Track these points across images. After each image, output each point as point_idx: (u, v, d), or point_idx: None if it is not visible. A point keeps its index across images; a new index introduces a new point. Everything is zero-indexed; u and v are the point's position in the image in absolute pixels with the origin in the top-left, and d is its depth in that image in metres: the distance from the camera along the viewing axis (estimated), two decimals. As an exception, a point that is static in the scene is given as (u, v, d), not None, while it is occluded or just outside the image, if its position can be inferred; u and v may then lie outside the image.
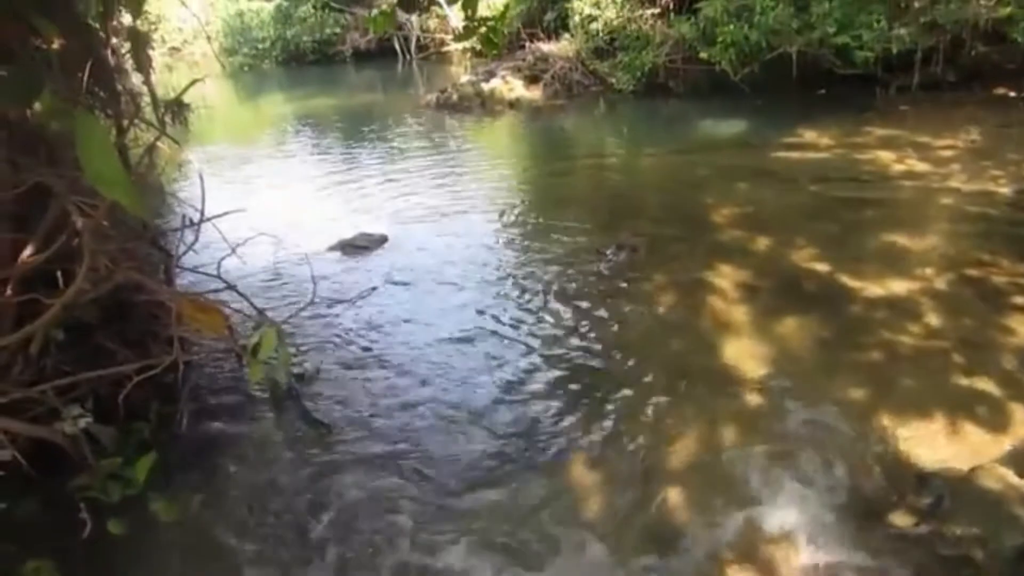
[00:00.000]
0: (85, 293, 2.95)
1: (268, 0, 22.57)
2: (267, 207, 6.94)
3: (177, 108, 4.17)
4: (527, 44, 13.71)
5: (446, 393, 3.85)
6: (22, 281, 2.93)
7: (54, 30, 1.52)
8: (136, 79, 4.36)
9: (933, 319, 4.20)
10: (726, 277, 4.92)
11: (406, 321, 4.68)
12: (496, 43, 3.15)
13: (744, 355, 3.97)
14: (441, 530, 2.91)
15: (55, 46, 1.95)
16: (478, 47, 15.80)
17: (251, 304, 4.09)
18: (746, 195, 6.67)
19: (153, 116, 3.74)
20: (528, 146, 10.47)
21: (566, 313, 4.63)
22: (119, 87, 3.72)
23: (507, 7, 14.35)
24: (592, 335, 4.35)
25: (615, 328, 4.43)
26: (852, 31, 9.74)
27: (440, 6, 18.49)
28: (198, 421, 3.70)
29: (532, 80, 12.79)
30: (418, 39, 20.06)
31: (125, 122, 3.63)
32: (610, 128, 11.09)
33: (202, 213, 3.85)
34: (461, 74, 14.62)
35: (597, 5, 12.54)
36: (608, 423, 3.50)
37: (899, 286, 4.60)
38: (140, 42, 3.55)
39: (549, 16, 14.43)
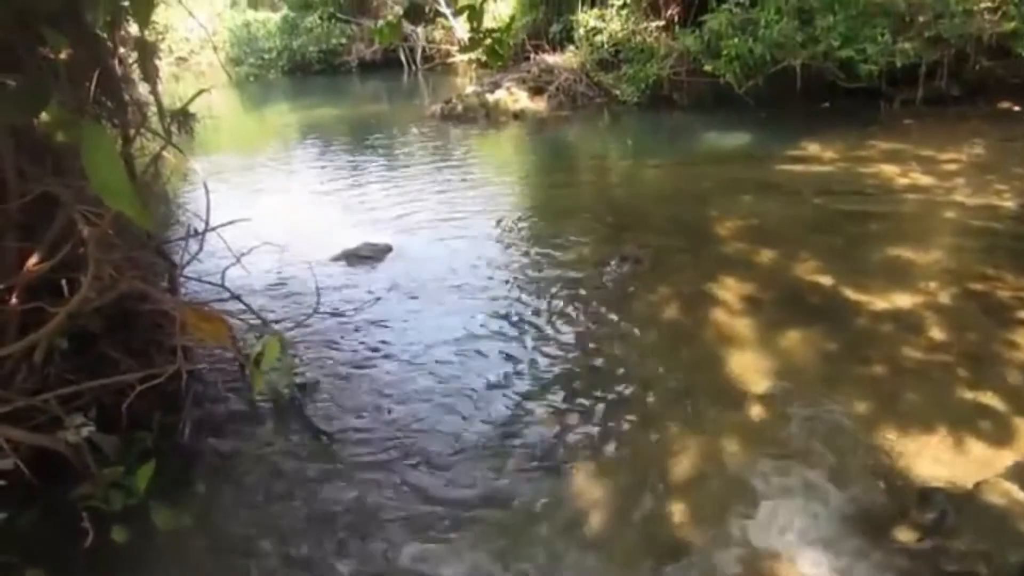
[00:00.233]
0: (90, 302, 2.96)
1: (275, 11, 22.74)
2: (272, 216, 6.96)
3: (183, 118, 4.18)
4: (532, 56, 13.78)
5: (448, 403, 3.84)
6: (27, 289, 2.94)
7: (63, 41, 1.54)
8: (143, 89, 4.39)
9: (937, 333, 4.19)
10: (730, 289, 4.91)
11: (409, 331, 4.68)
12: (501, 55, 3.17)
13: (748, 367, 3.96)
14: (442, 541, 2.90)
15: (63, 56, 1.97)
16: (483, 58, 15.87)
17: (254, 313, 4.10)
18: (750, 207, 6.68)
19: (159, 126, 3.77)
20: (532, 157, 10.49)
21: (569, 325, 4.62)
22: (126, 97, 3.74)
23: (512, 19, 14.42)
24: (596, 347, 4.34)
25: (619, 340, 4.42)
26: (856, 45, 9.76)
27: (446, 18, 18.71)
28: (200, 430, 3.70)
29: (537, 91, 12.83)
30: (423, 50, 20.17)
31: (131, 131, 3.65)
32: (614, 140, 11.11)
33: (207, 222, 3.86)
34: (466, 85, 14.68)
35: (602, 17, 12.60)
36: (611, 435, 3.49)
37: (903, 300, 4.59)
38: (147, 52, 3.59)
39: (554, 28, 14.50)
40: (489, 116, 12.36)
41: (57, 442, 2.98)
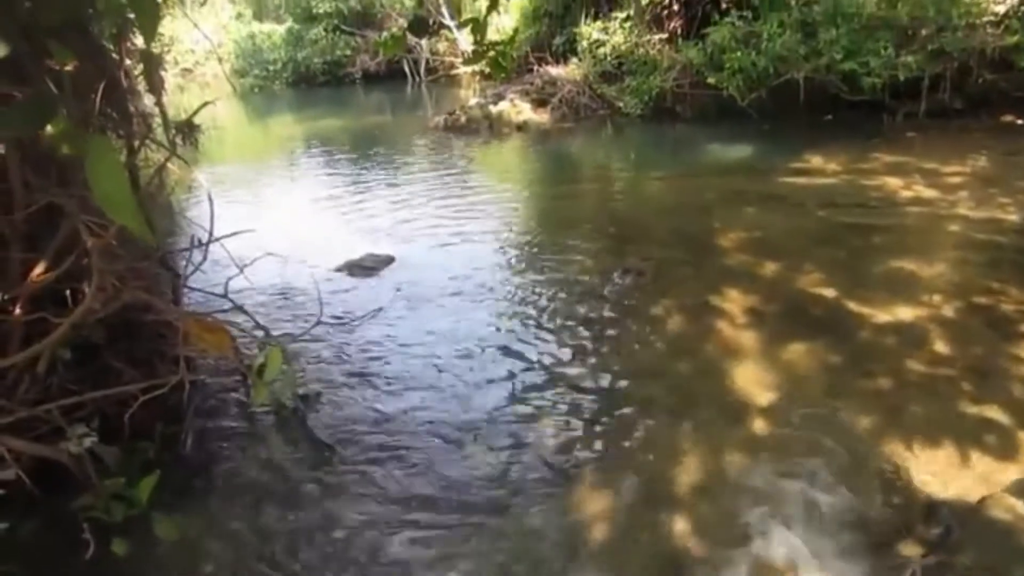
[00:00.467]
0: (93, 312, 2.96)
1: (280, 23, 22.90)
2: (275, 227, 6.98)
3: (188, 129, 4.20)
4: (535, 68, 13.84)
5: (451, 415, 3.83)
6: (31, 300, 2.95)
7: (69, 55, 1.55)
8: (148, 100, 4.41)
9: (941, 346, 4.18)
10: (733, 302, 4.91)
11: (411, 342, 4.68)
12: (505, 67, 3.17)
13: (751, 380, 3.95)
14: (444, 552, 2.88)
15: (69, 68, 1.98)
16: (487, 70, 15.96)
17: (257, 324, 4.11)
18: (753, 220, 6.68)
19: (164, 137, 3.79)
20: (535, 169, 10.52)
21: (572, 336, 4.62)
22: (131, 108, 3.76)
23: (516, 31, 14.50)
24: (598, 359, 4.34)
25: (621, 352, 4.42)
26: (859, 58, 9.80)
27: (450, 30, 18.82)
28: (202, 441, 3.70)
29: (540, 103, 12.88)
30: (427, 62, 20.30)
31: (136, 143, 3.67)
32: (617, 151, 11.13)
33: (210, 233, 3.88)
34: (470, 97, 14.74)
35: (605, 30, 12.68)
36: (613, 447, 3.48)
37: (907, 313, 4.58)
38: (153, 64, 3.61)
39: (557, 40, 14.58)
40: (492, 128, 12.41)
41: (59, 452, 2.98)
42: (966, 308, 4.61)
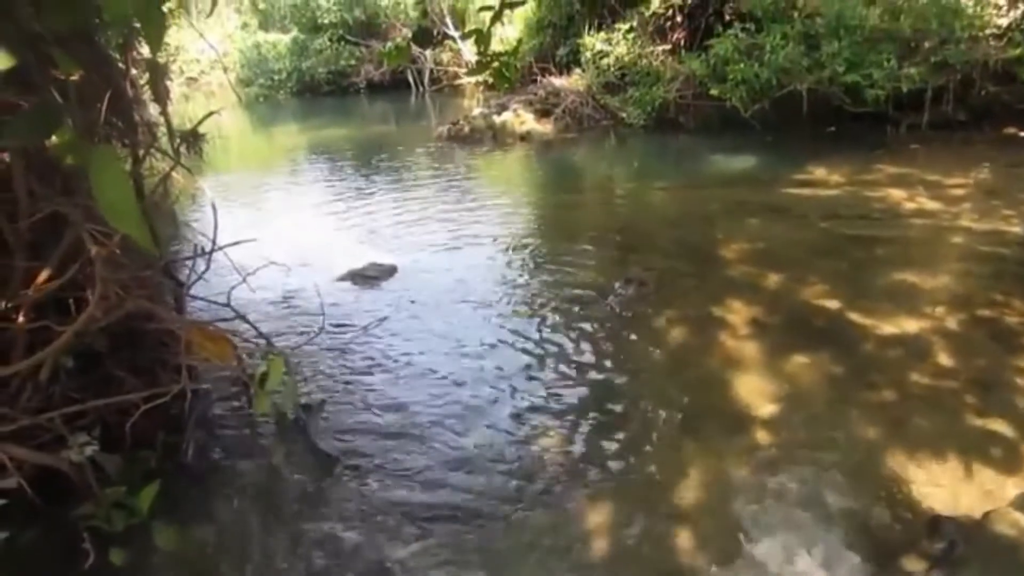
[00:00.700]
0: (96, 321, 2.96)
1: (285, 32, 23.03)
2: (278, 236, 6.99)
3: (193, 138, 4.22)
4: (539, 78, 13.90)
5: (452, 425, 3.82)
6: (34, 308, 2.95)
7: (75, 66, 1.56)
8: (153, 109, 4.43)
9: (944, 359, 4.16)
10: (736, 313, 4.90)
11: (414, 352, 4.68)
12: (509, 77, 3.19)
13: (754, 392, 3.94)
14: (444, 564, 2.87)
15: (75, 77, 1.99)
16: (490, 81, 16.03)
17: (260, 333, 4.11)
18: (756, 231, 6.68)
19: (169, 146, 3.80)
20: (538, 179, 10.54)
21: (574, 347, 4.61)
22: (136, 117, 3.78)
23: (520, 42, 14.57)
24: (600, 370, 4.33)
25: (623, 363, 4.41)
26: (862, 70, 9.82)
27: (454, 41, 18.89)
28: (204, 450, 3.69)
29: (543, 113, 12.92)
30: (431, 72, 20.39)
31: (141, 152, 3.68)
32: (620, 162, 11.15)
33: (214, 242, 3.88)
34: (473, 107, 14.79)
35: (608, 41, 12.73)
36: (615, 458, 3.47)
37: (910, 325, 4.57)
38: (158, 74, 3.63)
39: (561, 51, 14.64)
40: (496, 138, 12.45)
41: (60, 461, 2.98)
42: (969, 320, 4.60)
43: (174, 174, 3.93)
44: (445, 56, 20.36)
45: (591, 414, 3.86)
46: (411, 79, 20.72)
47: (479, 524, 3.09)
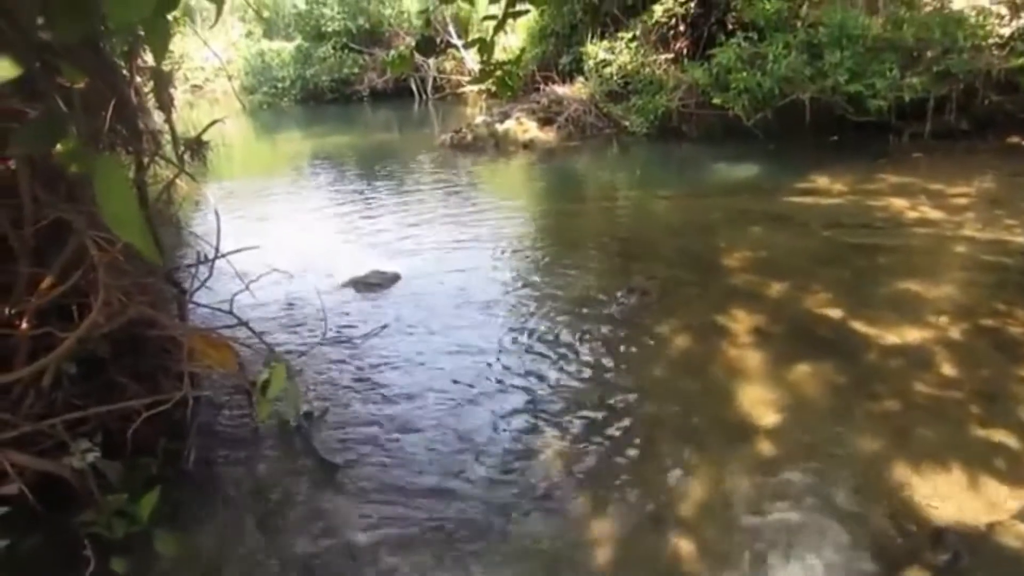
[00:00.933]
0: (99, 327, 2.97)
1: (289, 40, 23.14)
2: (281, 243, 7.01)
3: (196, 146, 4.23)
4: (542, 87, 13.93)
5: (454, 433, 3.82)
6: (37, 314, 2.96)
7: (80, 76, 1.57)
8: (158, 117, 4.45)
9: (948, 369, 4.15)
10: (739, 322, 4.90)
11: (416, 360, 4.68)
12: (511, 86, 3.20)
13: (756, 401, 3.93)
14: (446, 574, 2.86)
15: (80, 86, 2.00)
16: (493, 89, 16.06)
17: (262, 340, 4.11)
18: (759, 239, 6.68)
19: (173, 153, 3.81)
20: (541, 187, 10.55)
21: (576, 356, 4.61)
22: (141, 125, 3.79)
23: (523, 51, 14.63)
24: (603, 378, 4.32)
25: (626, 372, 4.40)
26: (864, 80, 9.82)
27: (457, 49, 18.95)
28: (205, 457, 3.69)
29: (546, 122, 12.95)
30: (434, 80, 20.46)
31: (145, 159, 3.69)
32: (623, 170, 11.16)
33: (217, 249, 3.89)
34: (476, 115, 14.82)
35: (611, 50, 12.76)
36: (616, 468, 3.46)
37: (913, 334, 4.56)
38: (163, 82, 3.65)
39: (564, 60, 14.68)
40: (498, 146, 12.47)
41: (62, 468, 2.98)
42: (973, 330, 4.58)
43: (178, 181, 3.95)
44: (448, 64, 20.43)
45: (593, 424, 3.85)
46: (414, 87, 20.80)
47: (480, 532, 3.08)
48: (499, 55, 3.07)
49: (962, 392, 3.91)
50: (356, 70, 21.48)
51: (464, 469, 3.51)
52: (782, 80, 10.27)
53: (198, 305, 4.33)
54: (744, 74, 10.52)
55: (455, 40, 18.11)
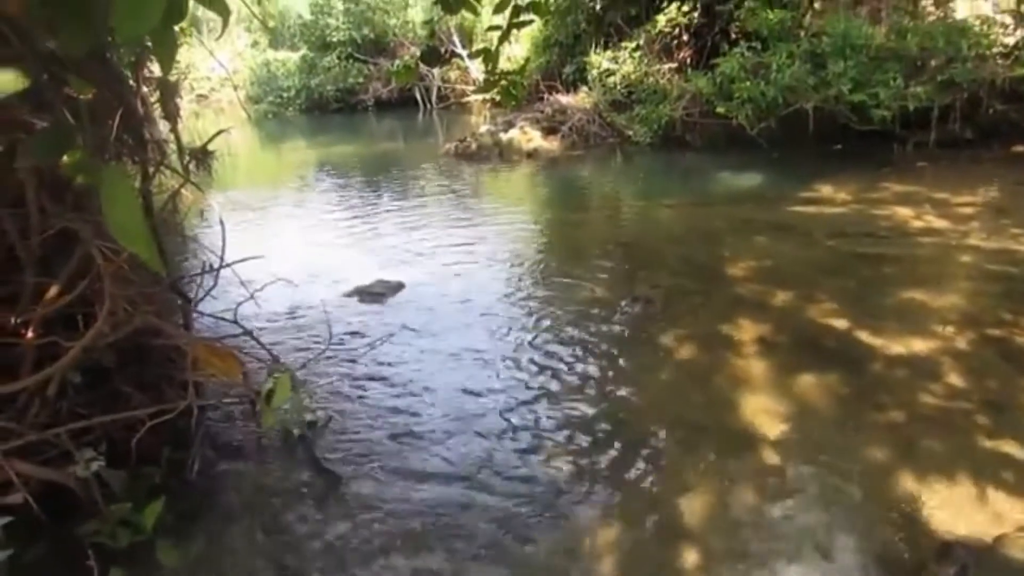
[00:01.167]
0: (104, 336, 2.98)
1: (294, 50, 23.27)
2: (286, 252, 7.03)
3: (202, 155, 4.25)
4: (546, 96, 14.00)
5: (457, 443, 3.81)
6: (43, 323, 2.96)
7: (88, 87, 1.58)
8: (164, 127, 4.47)
9: (954, 379, 4.13)
10: (743, 331, 4.88)
11: (420, 369, 4.67)
12: (516, 95, 3.20)
13: (761, 412, 3.91)
14: (450, 586, 2.86)
15: (87, 97, 2.01)
16: (497, 98, 16.12)
17: (266, 350, 4.11)
18: (763, 249, 6.67)
19: (178, 163, 3.83)
20: (545, 196, 10.56)
21: (581, 365, 4.60)
22: (147, 135, 3.81)
23: (527, 60, 14.67)
24: (607, 388, 4.31)
25: (630, 381, 4.39)
26: (868, 89, 9.84)
27: (462, 59, 19.04)
28: (209, 467, 3.68)
29: (550, 131, 12.99)
30: (439, 90, 20.55)
31: (151, 169, 3.71)
32: (627, 179, 11.18)
33: (222, 258, 3.90)
34: (480, 124, 14.87)
35: (615, 59, 12.82)
36: (621, 479, 3.45)
37: (919, 344, 4.54)
38: (169, 92, 3.67)
39: (568, 69, 14.75)
40: (502, 155, 12.51)
41: (66, 477, 2.98)
42: (979, 339, 4.56)
43: (183, 191, 3.96)
44: (453, 74, 20.55)
45: (597, 433, 3.84)
46: (419, 96, 20.89)
47: (484, 544, 3.07)
48: (503, 65, 3.08)
49: (969, 403, 3.88)
50: (361, 80, 21.60)
51: (467, 479, 3.50)
52: (786, 89, 10.30)
53: (203, 314, 4.34)
54: (748, 83, 10.55)
55: (459, 50, 18.21)
